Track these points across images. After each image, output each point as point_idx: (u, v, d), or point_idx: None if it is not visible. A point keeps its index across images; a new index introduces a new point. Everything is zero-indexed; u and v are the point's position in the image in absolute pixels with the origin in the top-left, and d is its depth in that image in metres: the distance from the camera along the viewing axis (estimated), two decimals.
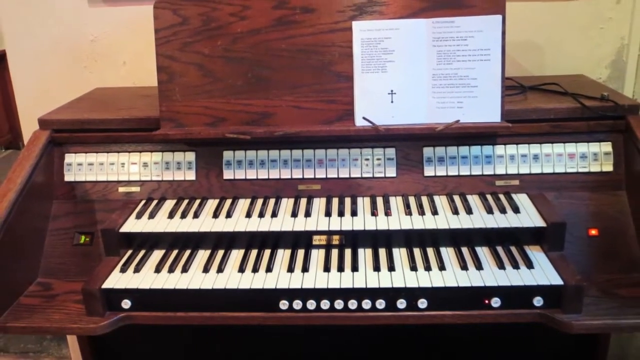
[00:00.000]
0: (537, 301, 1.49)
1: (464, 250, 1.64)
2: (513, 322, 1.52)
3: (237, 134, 1.72)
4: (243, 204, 1.78)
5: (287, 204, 1.77)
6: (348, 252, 1.65)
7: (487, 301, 1.50)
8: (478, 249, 1.64)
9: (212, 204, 1.79)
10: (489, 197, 1.75)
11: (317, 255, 1.65)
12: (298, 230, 1.66)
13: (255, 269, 1.60)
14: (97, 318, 1.55)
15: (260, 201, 1.79)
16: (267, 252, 1.67)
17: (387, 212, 1.69)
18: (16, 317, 1.58)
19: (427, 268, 1.57)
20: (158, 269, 1.62)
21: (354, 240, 1.68)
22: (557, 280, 1.49)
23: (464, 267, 1.56)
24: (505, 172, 1.79)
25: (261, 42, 1.73)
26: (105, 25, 2.27)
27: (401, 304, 1.51)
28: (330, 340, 2.02)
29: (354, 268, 1.58)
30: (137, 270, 1.62)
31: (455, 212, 1.68)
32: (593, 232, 1.68)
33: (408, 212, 1.69)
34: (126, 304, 1.56)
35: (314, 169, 1.82)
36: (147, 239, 1.73)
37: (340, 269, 1.58)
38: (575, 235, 1.67)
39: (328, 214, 1.71)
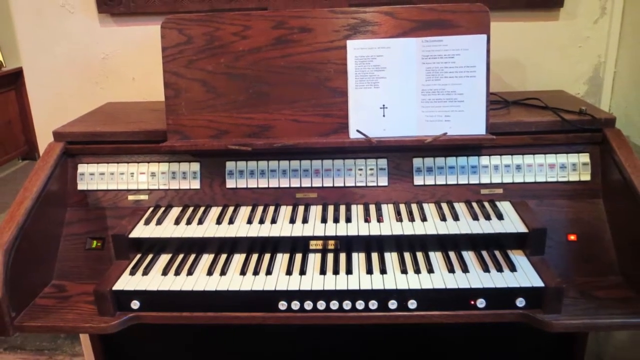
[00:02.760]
0: (520, 302, 1.50)
1: (451, 254, 1.65)
2: (497, 321, 1.53)
3: (239, 146, 1.73)
4: (244, 211, 1.79)
5: (285, 211, 1.78)
6: (343, 256, 1.65)
7: (472, 302, 1.51)
8: (464, 253, 1.65)
9: (215, 211, 1.80)
10: (474, 204, 1.76)
11: (314, 259, 1.66)
12: (296, 236, 1.67)
13: (256, 272, 1.61)
14: (108, 318, 1.56)
15: (260, 208, 1.80)
16: (267, 256, 1.68)
17: (380, 219, 1.71)
18: (32, 317, 1.59)
19: (417, 271, 1.58)
20: (165, 272, 1.63)
21: (348, 245, 1.69)
22: (538, 282, 1.50)
23: (451, 270, 1.57)
24: (490, 182, 1.80)
25: (261, 60, 1.75)
26: (115, 44, 2.28)
27: (392, 304, 1.52)
28: (326, 339, 2.03)
29: (349, 271, 1.59)
30: (145, 273, 1.63)
31: (443, 218, 1.70)
32: (572, 237, 1.69)
33: (399, 218, 1.70)
34: (135, 304, 1.56)
35: (311, 179, 1.83)
36: (154, 243, 1.74)
37: (336, 272, 1.59)
38: (556, 240, 1.68)
39: (324, 220, 1.72)
